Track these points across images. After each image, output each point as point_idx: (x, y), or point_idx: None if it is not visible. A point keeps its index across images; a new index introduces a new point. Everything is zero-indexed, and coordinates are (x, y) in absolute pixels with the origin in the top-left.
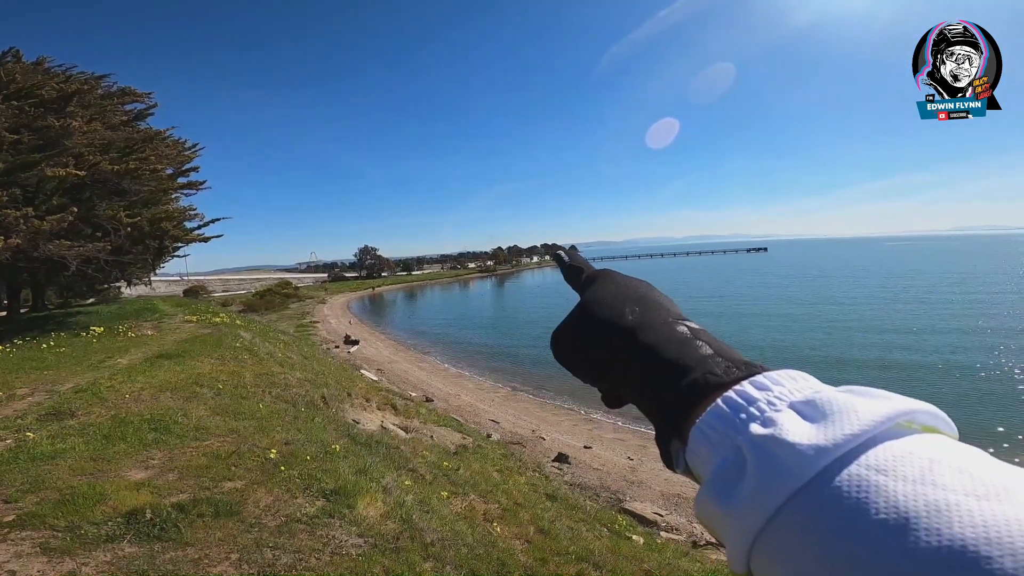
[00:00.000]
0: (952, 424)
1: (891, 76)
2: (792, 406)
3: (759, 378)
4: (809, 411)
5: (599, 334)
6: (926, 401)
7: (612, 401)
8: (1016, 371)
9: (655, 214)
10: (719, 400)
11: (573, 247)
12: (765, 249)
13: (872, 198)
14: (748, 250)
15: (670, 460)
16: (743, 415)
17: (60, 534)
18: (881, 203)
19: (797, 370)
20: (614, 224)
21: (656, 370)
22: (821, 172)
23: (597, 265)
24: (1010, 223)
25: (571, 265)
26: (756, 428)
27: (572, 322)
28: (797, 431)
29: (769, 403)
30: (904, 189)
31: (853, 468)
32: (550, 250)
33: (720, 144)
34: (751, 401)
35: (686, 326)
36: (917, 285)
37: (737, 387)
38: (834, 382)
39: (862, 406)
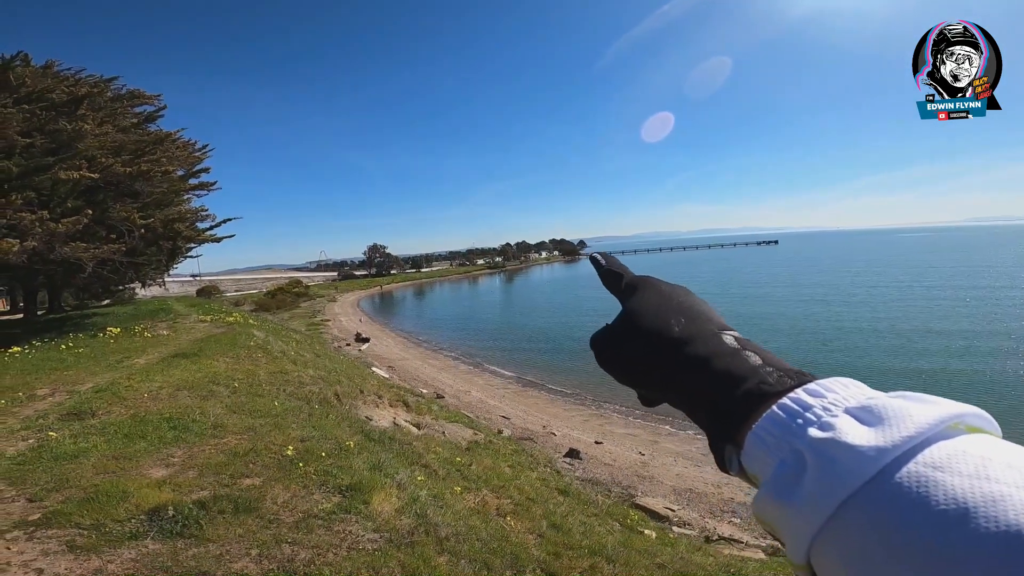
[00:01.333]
0: (996, 424)
1: (902, 68)
2: (848, 411)
3: (812, 386)
4: (865, 416)
5: (647, 344)
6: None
7: (649, 402)
8: None
9: (663, 208)
10: (774, 407)
11: (581, 242)
12: (776, 242)
13: (885, 189)
14: (758, 243)
15: (724, 464)
16: (800, 420)
17: (86, 532)
18: (894, 194)
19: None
20: (621, 218)
21: (708, 380)
22: (832, 164)
23: None
24: None
25: (608, 270)
26: (815, 432)
27: (618, 330)
28: (856, 434)
29: (825, 409)
30: (917, 180)
31: (911, 466)
32: (558, 245)
33: (728, 137)
34: (806, 407)
35: (732, 336)
36: (932, 278)
37: (791, 394)
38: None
39: (916, 410)
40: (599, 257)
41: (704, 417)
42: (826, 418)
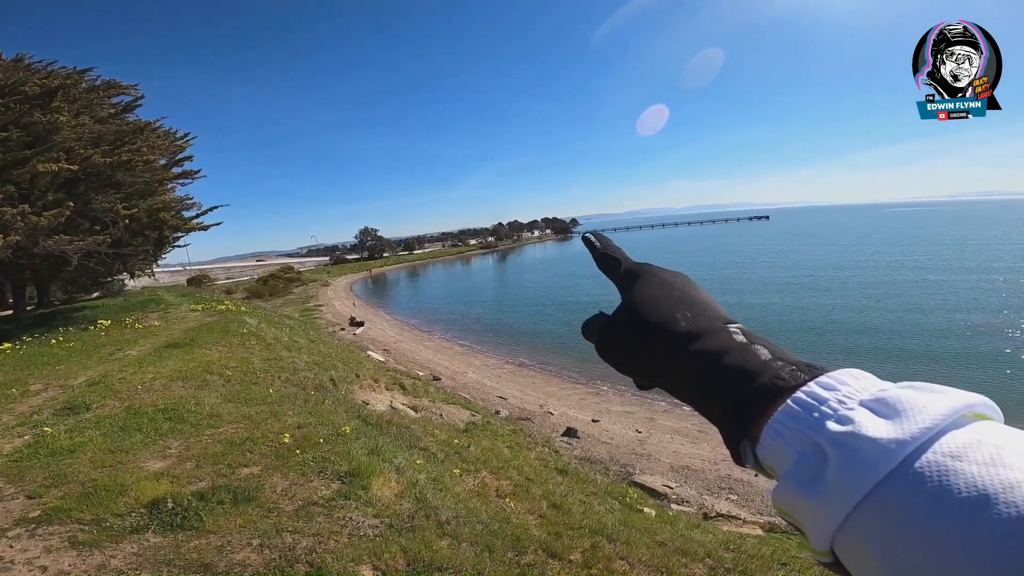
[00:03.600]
0: (1000, 411)
1: (897, 46)
2: (863, 404)
3: (824, 379)
4: (881, 408)
5: (652, 338)
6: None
7: (646, 387)
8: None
9: (656, 184)
10: (789, 401)
11: (574, 220)
12: (767, 217)
13: (876, 164)
14: (750, 218)
15: (739, 457)
16: (816, 414)
17: (87, 527)
18: (885, 169)
19: (855, 368)
20: (615, 196)
21: (720, 376)
22: (824, 139)
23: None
24: (1014, 188)
25: (604, 253)
26: (833, 425)
27: (621, 323)
28: (875, 427)
29: (840, 402)
30: (908, 155)
31: (930, 456)
32: (551, 224)
33: (721, 115)
34: (822, 401)
35: (738, 329)
36: (920, 254)
37: (805, 388)
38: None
39: (928, 401)
40: (593, 239)
41: (717, 412)
42: (843, 411)
